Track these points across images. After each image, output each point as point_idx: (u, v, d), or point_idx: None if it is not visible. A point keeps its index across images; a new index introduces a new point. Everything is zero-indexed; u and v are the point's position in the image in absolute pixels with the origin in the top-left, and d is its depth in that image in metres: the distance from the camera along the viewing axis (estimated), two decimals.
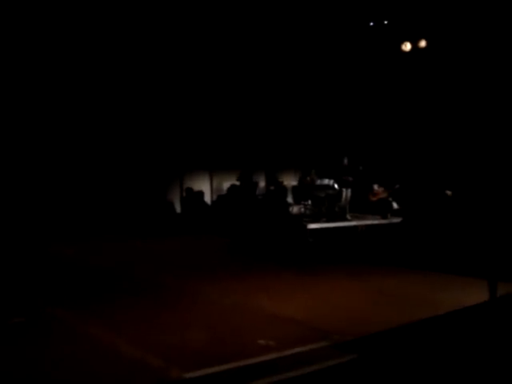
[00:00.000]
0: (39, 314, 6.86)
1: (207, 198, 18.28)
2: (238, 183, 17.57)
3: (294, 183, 17.07)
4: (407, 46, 15.96)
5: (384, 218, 14.69)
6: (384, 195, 15.30)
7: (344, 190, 14.48)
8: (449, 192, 13.94)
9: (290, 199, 16.92)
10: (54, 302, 7.47)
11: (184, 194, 17.94)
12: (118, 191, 16.40)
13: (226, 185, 18.17)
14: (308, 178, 15.54)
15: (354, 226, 14.06)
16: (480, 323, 6.55)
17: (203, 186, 18.27)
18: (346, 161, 14.76)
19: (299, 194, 16.06)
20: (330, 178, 14.63)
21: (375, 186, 15.54)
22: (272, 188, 16.96)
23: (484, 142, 14.28)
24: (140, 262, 11.04)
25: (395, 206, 15.06)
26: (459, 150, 14.96)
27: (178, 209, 17.91)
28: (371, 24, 16.52)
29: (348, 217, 14.33)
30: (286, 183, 17.27)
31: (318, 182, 14.87)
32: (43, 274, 9.76)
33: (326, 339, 5.67)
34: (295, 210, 14.98)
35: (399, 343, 5.79)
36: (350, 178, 14.39)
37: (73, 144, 15.95)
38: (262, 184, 18.35)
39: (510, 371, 4.96)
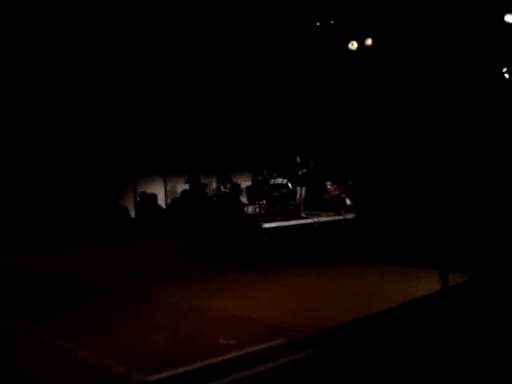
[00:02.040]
0: None
1: (162, 202, 18.19)
2: (187, 186, 17.57)
3: (248, 183, 17.16)
4: (354, 45, 16.23)
5: (338, 214, 14.96)
6: (337, 192, 15.54)
7: (298, 188, 14.67)
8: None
9: (244, 199, 17.01)
10: (13, 314, 7.36)
11: (138, 199, 17.82)
12: (69, 197, 16.12)
13: (180, 188, 18.13)
14: (261, 178, 15.67)
15: (309, 224, 14.26)
16: (432, 312, 6.77)
17: (157, 190, 18.17)
18: (298, 159, 14.94)
19: (253, 193, 16.17)
20: (283, 177, 14.79)
21: (328, 184, 15.76)
22: (225, 189, 16.99)
23: (434, 137, 14.63)
24: (96, 268, 10.93)
25: (348, 202, 15.33)
26: (408, 145, 15.29)
27: (133, 213, 17.77)
28: (318, 24, 16.72)
29: (303, 215, 14.53)
30: (239, 183, 17.36)
31: (272, 181, 15.01)
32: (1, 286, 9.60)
33: (283, 336, 5.78)
34: (250, 209, 15.11)
35: (355, 336, 5.94)
36: (304, 170, 14.59)
37: (19, 148, 15.60)
38: (214, 185, 18.34)
39: (460, 358, 5.14)
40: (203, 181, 17.91)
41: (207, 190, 17.84)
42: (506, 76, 13.88)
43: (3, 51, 14.69)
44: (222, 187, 17.15)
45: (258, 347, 5.49)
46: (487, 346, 5.43)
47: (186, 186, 17.67)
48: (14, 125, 15.45)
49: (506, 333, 5.78)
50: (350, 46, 16.30)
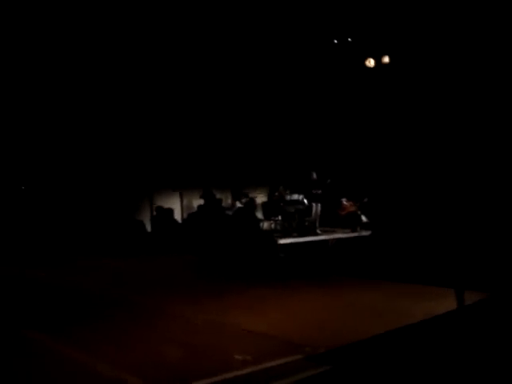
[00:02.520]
0: (15, 337, 6.83)
1: (177, 217, 18.28)
2: (202, 201, 17.64)
3: (263, 199, 17.18)
4: (371, 62, 16.28)
5: (353, 231, 14.89)
6: (353, 209, 15.49)
7: (314, 204, 14.65)
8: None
9: (259, 215, 17.03)
10: (30, 325, 7.43)
11: (154, 213, 17.91)
12: (87, 211, 16.32)
13: (196, 203, 18.20)
14: (277, 194, 15.67)
15: (325, 240, 14.22)
16: (450, 331, 6.73)
17: (173, 205, 18.27)
18: (314, 175, 14.94)
19: (269, 209, 16.18)
20: (299, 193, 14.79)
21: (344, 200, 15.73)
22: (240, 204, 17.01)
23: (451, 157, 14.59)
24: (112, 282, 11.02)
25: (364, 219, 15.26)
26: (425, 164, 15.26)
27: (149, 228, 17.87)
28: (335, 42, 16.81)
29: (318, 231, 14.49)
30: (255, 199, 17.37)
31: (288, 197, 15.01)
32: (18, 297, 9.70)
33: (299, 352, 5.77)
34: (265, 225, 15.08)
35: (371, 353, 5.92)
36: (319, 191, 14.57)
37: (39, 165, 15.85)
38: (229, 201, 18.38)
39: (479, 376, 5.11)
40: (219, 196, 17.96)
41: (223, 205, 17.88)
42: None
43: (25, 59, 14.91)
44: (237, 203, 17.17)
45: (273, 363, 5.49)
46: (506, 364, 5.39)
47: (202, 201, 17.73)
48: (34, 141, 15.68)
49: None
50: (367, 63, 16.35)
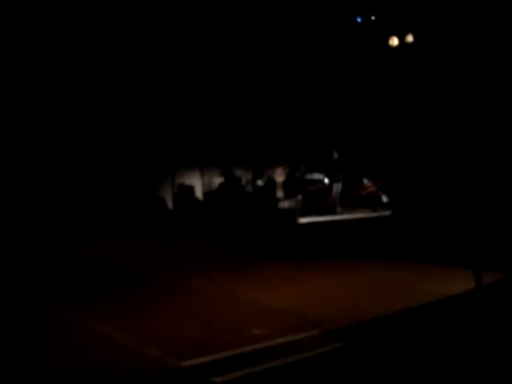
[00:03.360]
0: (39, 309, 7.02)
1: (199, 194, 18.41)
2: (222, 179, 17.76)
3: (283, 178, 17.25)
4: (394, 41, 16.15)
5: (374, 211, 14.96)
6: (373, 189, 15.54)
7: (334, 184, 14.69)
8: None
9: (280, 193, 17.11)
10: (54, 297, 7.63)
11: (176, 191, 18.06)
12: (110, 189, 16.51)
13: (216, 180, 18.32)
14: (298, 173, 15.72)
15: (345, 220, 14.29)
16: (467, 311, 6.76)
17: (195, 182, 18.40)
18: (335, 155, 14.95)
19: (289, 188, 16.26)
20: (319, 173, 14.83)
21: (365, 180, 15.77)
22: (261, 183, 17.10)
23: (473, 138, 14.49)
24: (134, 258, 11.19)
25: (384, 199, 15.30)
26: (447, 145, 15.17)
27: (170, 205, 18.04)
28: (359, 20, 16.70)
29: (338, 210, 14.57)
30: (275, 178, 17.45)
31: (308, 176, 15.07)
32: (42, 270, 9.93)
33: (317, 328, 5.87)
34: (286, 204, 15.19)
35: (387, 331, 5.99)
36: (341, 176, 14.58)
37: (63, 143, 16.06)
38: (250, 178, 18.44)
39: (497, 358, 5.15)
40: (239, 174, 18.05)
41: (242, 183, 17.99)
42: None
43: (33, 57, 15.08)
44: (258, 181, 17.26)
45: (291, 338, 5.59)
46: None
47: (223, 179, 17.85)
48: (58, 122, 15.90)
49: None
50: (390, 42, 16.22)
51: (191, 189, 18.18)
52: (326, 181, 14.60)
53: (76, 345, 5.62)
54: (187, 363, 4.97)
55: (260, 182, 17.20)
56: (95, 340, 5.76)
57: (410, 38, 15.94)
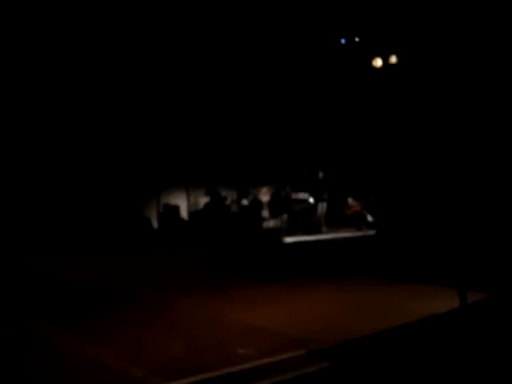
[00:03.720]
0: (24, 329, 6.95)
1: (184, 214, 18.36)
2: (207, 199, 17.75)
3: (268, 197, 17.28)
4: (378, 62, 16.31)
5: (359, 230, 14.99)
6: (358, 208, 15.59)
7: (319, 203, 14.73)
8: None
9: (265, 213, 17.11)
10: (40, 317, 7.55)
11: (161, 210, 18.00)
12: (95, 208, 16.43)
13: (202, 200, 18.28)
14: (283, 192, 15.75)
15: (330, 239, 14.31)
16: (451, 329, 6.78)
17: (180, 202, 18.35)
18: (321, 174, 15.01)
19: (275, 207, 16.26)
20: (305, 192, 14.87)
21: (350, 200, 15.83)
22: (246, 202, 17.09)
23: (454, 158, 14.61)
24: (119, 277, 11.12)
25: (370, 218, 15.36)
26: (430, 164, 15.27)
27: (156, 224, 17.97)
28: (343, 42, 16.87)
29: (323, 230, 14.59)
30: (261, 197, 17.47)
31: (294, 195, 15.10)
32: (26, 289, 9.84)
33: (302, 347, 5.85)
34: (271, 223, 15.19)
35: (372, 350, 5.99)
36: (325, 193, 14.64)
37: (50, 160, 15.98)
38: (235, 198, 18.42)
39: (481, 373, 5.16)
40: (225, 193, 18.04)
41: (228, 203, 17.98)
42: None
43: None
44: (243, 200, 17.25)
45: (276, 358, 5.57)
46: (505, 364, 5.45)
47: (208, 199, 17.83)
48: (41, 137, 15.82)
49: None
50: (374, 63, 16.38)
51: (176, 208, 18.13)
52: (312, 200, 14.65)
53: (61, 365, 5.55)
54: None
55: (245, 202, 17.17)
56: (80, 360, 5.71)
57: (393, 59, 16.10)
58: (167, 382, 4.96)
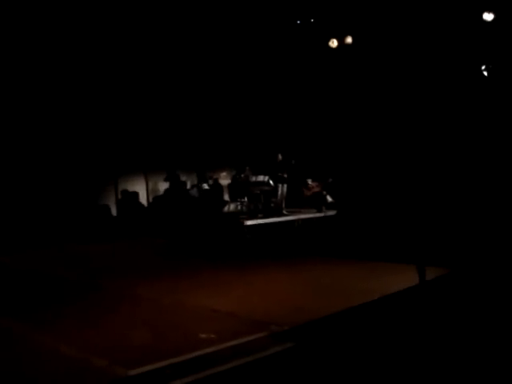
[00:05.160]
0: None
1: (143, 200, 18.18)
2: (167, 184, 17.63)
3: (228, 181, 17.24)
4: (334, 43, 16.35)
5: (319, 211, 15.06)
6: (318, 189, 15.65)
7: (279, 185, 14.74)
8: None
9: (225, 197, 17.08)
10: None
11: (119, 197, 17.78)
12: (50, 196, 16.07)
13: (162, 186, 18.14)
14: (243, 175, 15.71)
15: (291, 221, 14.35)
16: (411, 305, 6.89)
17: (139, 188, 18.15)
18: (280, 157, 15.00)
19: (235, 191, 16.23)
20: (264, 175, 14.86)
21: (309, 181, 15.88)
22: (206, 187, 17.02)
23: (410, 135, 14.79)
24: (77, 266, 10.96)
25: (329, 199, 15.44)
26: (387, 143, 15.44)
27: (114, 212, 17.75)
28: (298, 22, 16.84)
29: (284, 212, 14.62)
30: (221, 181, 17.42)
31: (253, 178, 15.07)
32: None
33: (264, 330, 5.86)
34: (232, 207, 15.14)
35: (334, 329, 6.04)
36: (285, 175, 14.65)
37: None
38: (195, 183, 18.30)
39: (439, 351, 5.26)
40: (185, 178, 17.93)
41: (188, 188, 17.88)
42: (485, 74, 14.08)
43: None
44: (203, 184, 17.16)
45: (238, 341, 5.57)
46: (464, 337, 5.56)
47: (168, 184, 17.70)
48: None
49: (482, 325, 5.91)
50: (330, 43, 16.41)
51: (135, 195, 17.92)
52: (271, 182, 14.64)
53: (20, 357, 5.45)
54: (134, 372, 4.88)
55: (206, 186, 17.09)
56: (40, 352, 5.60)
57: (349, 40, 16.16)
58: (131, 370, 4.91)
